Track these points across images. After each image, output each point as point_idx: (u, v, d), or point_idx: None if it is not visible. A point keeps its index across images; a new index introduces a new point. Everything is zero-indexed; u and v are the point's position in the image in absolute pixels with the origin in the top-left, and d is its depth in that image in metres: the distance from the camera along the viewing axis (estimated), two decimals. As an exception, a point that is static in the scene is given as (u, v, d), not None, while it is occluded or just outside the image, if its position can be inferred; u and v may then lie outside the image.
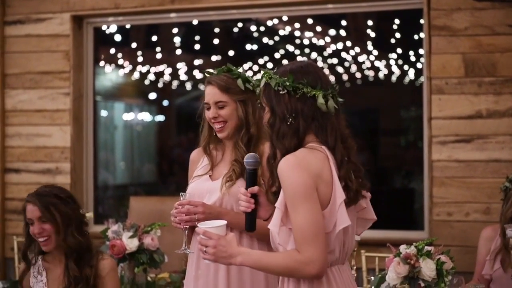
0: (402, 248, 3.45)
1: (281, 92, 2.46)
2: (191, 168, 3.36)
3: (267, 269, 2.46)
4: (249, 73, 6.63)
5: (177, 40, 8.09)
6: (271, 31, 7.94)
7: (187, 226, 3.05)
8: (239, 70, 3.23)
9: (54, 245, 3.38)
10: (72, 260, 3.37)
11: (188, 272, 3.22)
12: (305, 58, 8.34)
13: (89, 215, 3.87)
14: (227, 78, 3.18)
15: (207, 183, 3.20)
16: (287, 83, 2.45)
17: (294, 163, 2.37)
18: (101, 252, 3.54)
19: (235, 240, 2.48)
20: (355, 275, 3.93)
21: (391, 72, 8.36)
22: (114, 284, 3.42)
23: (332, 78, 8.64)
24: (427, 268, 3.37)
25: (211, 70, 3.28)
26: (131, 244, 4.02)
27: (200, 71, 8.76)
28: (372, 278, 3.68)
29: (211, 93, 3.17)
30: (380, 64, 8.33)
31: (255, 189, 2.62)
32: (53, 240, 3.37)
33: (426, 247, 3.43)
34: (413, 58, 7.94)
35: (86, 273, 3.36)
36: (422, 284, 3.37)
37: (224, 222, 2.53)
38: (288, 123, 2.44)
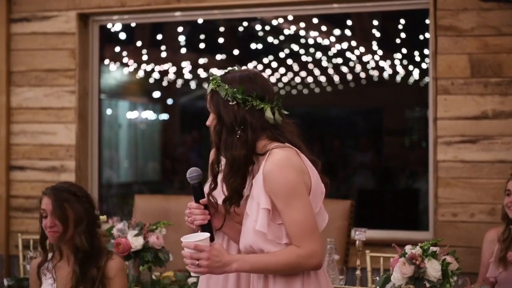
0: (408, 248, 3.45)
1: (230, 103, 2.50)
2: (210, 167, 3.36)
3: (266, 270, 2.46)
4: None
5: (182, 38, 8.09)
6: (276, 30, 7.94)
7: (199, 227, 3.05)
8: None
9: (58, 240, 3.39)
10: (78, 260, 3.37)
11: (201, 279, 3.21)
12: (309, 58, 8.35)
13: (103, 218, 3.86)
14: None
15: (222, 184, 3.20)
16: (238, 95, 2.50)
17: (281, 162, 2.42)
18: (111, 252, 3.53)
19: (224, 248, 2.50)
20: (360, 275, 3.94)
21: (396, 72, 8.36)
22: (122, 285, 3.41)
23: (336, 78, 8.65)
24: (433, 269, 3.36)
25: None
26: (136, 242, 4.02)
27: (205, 70, 8.77)
28: (377, 278, 3.68)
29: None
30: (385, 64, 8.33)
31: (205, 200, 2.62)
32: (61, 235, 3.38)
33: (431, 248, 3.43)
34: (418, 58, 7.93)
35: (92, 274, 3.35)
36: (428, 285, 3.37)
37: (208, 234, 2.51)
38: (237, 134, 2.49)
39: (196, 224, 2.61)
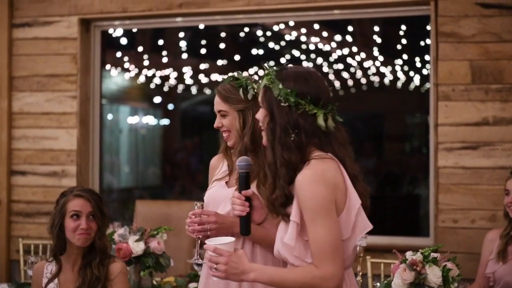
0: (408, 254, 3.46)
1: (282, 104, 2.42)
2: (210, 174, 3.34)
3: (283, 285, 2.39)
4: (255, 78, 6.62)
5: (183, 44, 8.11)
6: (277, 36, 7.95)
7: (200, 236, 3.05)
8: (246, 76, 3.22)
9: (90, 242, 3.43)
10: (95, 260, 3.41)
11: (201, 281, 3.21)
12: (310, 64, 8.36)
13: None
14: (230, 87, 3.15)
15: (223, 190, 3.17)
16: (291, 98, 2.41)
17: (312, 177, 2.34)
18: (113, 255, 3.57)
19: (246, 256, 2.44)
20: (361, 281, 3.94)
21: (396, 78, 8.37)
22: (123, 287, 3.43)
23: (337, 84, 8.66)
24: (433, 275, 3.37)
25: (226, 76, 3.28)
26: (137, 247, 4.03)
27: (206, 76, 8.78)
28: (378, 284, 3.69)
29: (216, 102, 3.18)
30: (386, 70, 8.34)
31: (249, 192, 2.58)
32: (91, 238, 3.43)
33: (432, 254, 3.44)
34: (418, 64, 7.95)
35: (100, 272, 3.39)
36: (428, 291, 3.38)
37: (233, 239, 2.48)
38: (292, 138, 2.41)
39: (234, 214, 2.58)
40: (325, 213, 2.32)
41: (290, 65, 2.56)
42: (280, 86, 2.43)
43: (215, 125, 3.17)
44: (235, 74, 3.24)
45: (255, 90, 3.16)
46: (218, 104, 3.17)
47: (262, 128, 2.52)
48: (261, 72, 8.46)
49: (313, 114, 2.43)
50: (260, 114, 2.51)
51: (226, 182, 3.21)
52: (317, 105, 2.44)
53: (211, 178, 3.33)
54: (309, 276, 2.32)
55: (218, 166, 3.32)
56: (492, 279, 4.19)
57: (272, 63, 7.49)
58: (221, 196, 3.16)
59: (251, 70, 8.18)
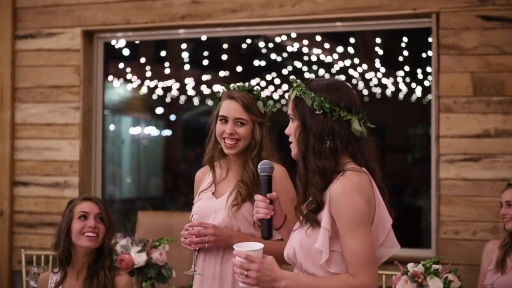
0: (410, 266, 3.47)
1: (316, 112, 2.43)
2: (196, 188, 3.35)
3: None
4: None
5: (185, 55, 8.13)
6: (279, 48, 7.97)
7: (197, 248, 3.05)
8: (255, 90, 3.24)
9: (96, 245, 3.46)
10: (107, 265, 3.46)
11: None
12: (312, 75, 8.38)
13: None
14: (249, 97, 3.16)
15: (212, 201, 3.19)
16: (326, 105, 2.43)
17: (352, 188, 2.36)
18: (118, 268, 3.58)
19: (276, 263, 2.42)
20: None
21: (398, 90, 8.38)
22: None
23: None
24: (435, 287, 3.38)
25: (232, 85, 3.27)
26: (140, 258, 4.04)
27: (208, 87, 8.80)
28: (380, 295, 3.70)
29: (232, 109, 3.14)
30: (388, 81, 8.35)
31: (274, 195, 2.57)
32: (99, 240, 3.46)
33: (433, 266, 3.45)
34: (420, 76, 7.95)
35: (106, 282, 3.40)
36: (430, 303, 3.39)
37: (262, 245, 2.44)
38: (327, 144, 2.42)
39: (257, 217, 2.55)
40: (364, 224, 2.35)
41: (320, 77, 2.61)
42: (313, 95, 2.46)
43: (228, 130, 3.12)
44: (251, 86, 3.24)
45: (270, 107, 3.19)
46: (238, 112, 3.14)
47: (292, 140, 2.52)
48: (263, 83, 8.50)
49: (347, 120, 2.46)
50: (291, 127, 2.51)
51: (213, 193, 3.22)
52: (350, 112, 2.47)
53: (196, 191, 3.33)
54: (345, 286, 2.33)
55: (204, 178, 3.32)
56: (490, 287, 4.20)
57: (274, 74, 7.46)
58: (210, 207, 3.17)
59: (253, 82, 8.20)
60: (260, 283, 2.38)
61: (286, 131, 2.55)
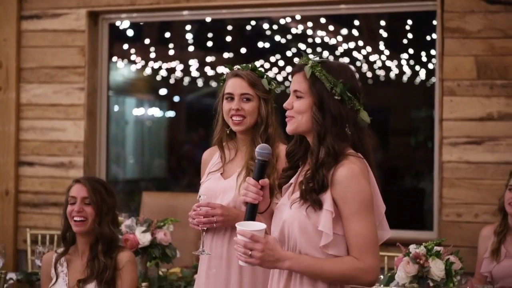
0: (412, 247, 3.50)
1: (336, 97, 2.44)
2: (203, 168, 3.36)
3: (320, 275, 2.40)
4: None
5: (189, 36, 8.13)
6: (284, 30, 7.97)
7: (205, 228, 3.07)
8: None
9: (87, 229, 3.47)
10: (101, 249, 3.46)
11: (200, 271, 3.24)
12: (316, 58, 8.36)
13: (121, 219, 4.00)
14: (254, 74, 3.19)
15: (219, 182, 3.20)
16: (347, 93, 2.45)
17: (358, 172, 2.38)
18: (121, 246, 3.62)
19: (278, 243, 2.43)
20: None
21: (402, 72, 8.38)
22: (131, 276, 3.48)
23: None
24: (436, 268, 3.41)
25: (235, 66, 3.29)
26: (144, 238, 4.07)
27: (212, 68, 8.80)
28: (381, 277, 3.73)
29: (238, 85, 3.17)
30: (392, 64, 8.35)
31: (266, 181, 2.55)
32: (88, 223, 3.47)
33: (435, 247, 3.48)
34: (424, 59, 7.95)
35: (108, 263, 3.44)
36: (431, 284, 3.42)
37: (264, 225, 2.44)
38: (346, 129, 2.43)
39: (245, 200, 2.52)
40: (369, 208, 2.38)
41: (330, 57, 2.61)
42: (331, 78, 2.46)
43: (235, 106, 3.14)
44: (254, 65, 3.26)
45: (274, 85, 3.21)
46: (243, 88, 3.17)
47: (292, 115, 2.51)
48: (267, 65, 8.50)
49: (357, 110, 2.48)
50: (300, 103, 2.49)
51: (221, 174, 3.24)
52: (359, 102, 2.49)
53: (203, 171, 3.35)
54: (351, 268, 2.36)
55: (211, 159, 3.33)
56: (489, 278, 4.22)
57: (278, 56, 7.45)
58: (218, 188, 3.18)
59: (257, 63, 8.17)
60: (263, 263, 2.39)
61: (286, 105, 2.53)
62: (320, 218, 2.39)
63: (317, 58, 2.54)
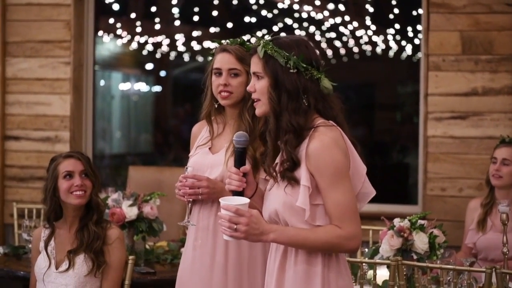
0: (396, 221, 3.53)
1: (291, 70, 2.45)
2: (192, 142, 3.36)
3: (303, 245, 2.44)
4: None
5: (175, 11, 8.09)
6: (270, 4, 7.94)
7: (191, 199, 3.09)
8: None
9: (86, 201, 3.50)
10: (95, 219, 3.50)
11: (187, 243, 3.26)
12: (303, 32, 8.37)
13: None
14: (242, 49, 3.19)
15: (208, 157, 3.21)
16: (302, 64, 2.46)
17: (330, 143, 2.40)
18: (109, 221, 3.63)
19: (262, 217, 2.46)
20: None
21: (388, 47, 8.38)
22: (120, 252, 3.51)
23: (329, 52, 8.69)
24: (420, 241, 3.44)
25: (223, 41, 3.29)
26: (131, 212, 4.09)
27: (198, 43, 8.77)
28: (366, 250, 3.77)
29: (226, 60, 3.16)
30: (378, 39, 8.35)
31: (247, 168, 2.57)
32: (87, 195, 3.50)
33: (419, 221, 3.51)
34: (411, 34, 7.96)
35: (99, 232, 3.47)
36: (415, 257, 3.46)
37: (248, 200, 2.47)
38: (303, 102, 2.45)
39: (229, 189, 2.56)
40: (344, 177, 2.41)
41: (283, 33, 2.62)
42: (284, 53, 2.47)
43: (222, 81, 3.14)
44: (243, 39, 3.26)
45: None
46: (231, 63, 3.16)
47: (258, 98, 2.53)
48: (253, 40, 8.47)
49: (317, 79, 2.49)
50: (259, 84, 2.51)
51: (209, 149, 3.25)
52: (319, 70, 2.50)
53: (192, 145, 3.36)
54: (334, 236, 2.40)
55: (200, 133, 3.34)
56: (474, 249, 4.27)
57: (264, 31, 7.45)
58: (206, 163, 3.19)
59: (244, 38, 8.17)
60: (248, 237, 2.41)
61: (249, 88, 2.55)
62: (299, 194, 2.42)
63: (269, 37, 2.56)
